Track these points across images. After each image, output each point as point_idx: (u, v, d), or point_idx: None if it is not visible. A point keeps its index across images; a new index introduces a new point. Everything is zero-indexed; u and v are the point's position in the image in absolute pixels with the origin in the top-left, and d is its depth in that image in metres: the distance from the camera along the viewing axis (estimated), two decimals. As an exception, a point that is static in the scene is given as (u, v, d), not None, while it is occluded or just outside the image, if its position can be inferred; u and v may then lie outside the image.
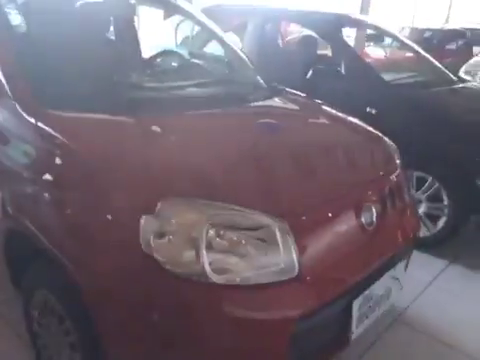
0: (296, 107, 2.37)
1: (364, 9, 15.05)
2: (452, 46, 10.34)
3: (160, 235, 1.29)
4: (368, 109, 3.12)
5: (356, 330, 1.59)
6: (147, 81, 2.27)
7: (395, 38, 4.34)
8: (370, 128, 2.19)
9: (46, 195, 1.53)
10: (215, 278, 1.28)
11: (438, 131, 2.91)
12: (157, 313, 1.31)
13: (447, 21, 18.21)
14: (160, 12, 3.65)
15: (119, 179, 1.41)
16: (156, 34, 4.22)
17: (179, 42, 4.38)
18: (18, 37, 2.20)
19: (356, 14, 4.23)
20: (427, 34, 10.71)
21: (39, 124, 1.61)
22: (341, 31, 3.77)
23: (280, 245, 1.36)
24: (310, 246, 1.44)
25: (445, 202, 2.92)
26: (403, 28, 11.20)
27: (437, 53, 9.63)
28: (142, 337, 1.32)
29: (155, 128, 1.74)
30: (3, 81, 1.72)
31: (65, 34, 2.15)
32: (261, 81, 2.55)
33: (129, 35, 2.91)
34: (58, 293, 1.54)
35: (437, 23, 14.77)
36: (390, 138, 2.21)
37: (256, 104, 2.23)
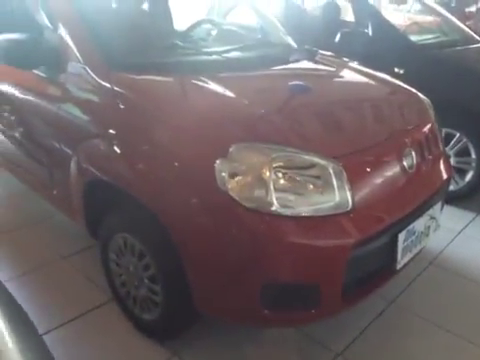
0: (334, 67, 2.51)
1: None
2: (472, 8, 10.14)
3: (233, 175, 1.48)
4: (396, 69, 3.23)
5: (401, 260, 1.76)
6: (192, 46, 2.42)
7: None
8: (405, 85, 2.33)
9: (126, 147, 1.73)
10: (281, 210, 1.46)
11: (463, 87, 3.01)
12: (231, 240, 1.49)
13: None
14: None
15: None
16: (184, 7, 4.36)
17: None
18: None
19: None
20: (446, -4, 10.51)
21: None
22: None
23: (334, 183, 1.54)
24: (361, 184, 1.61)
25: (473, 156, 3.06)
26: (421, -8, 11.00)
27: (457, 16, 9.49)
28: (218, 261, 1.53)
29: (216, 86, 1.86)
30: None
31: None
32: (293, 44, 2.69)
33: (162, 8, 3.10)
34: (141, 234, 1.75)
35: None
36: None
37: (296, 65, 2.38)
